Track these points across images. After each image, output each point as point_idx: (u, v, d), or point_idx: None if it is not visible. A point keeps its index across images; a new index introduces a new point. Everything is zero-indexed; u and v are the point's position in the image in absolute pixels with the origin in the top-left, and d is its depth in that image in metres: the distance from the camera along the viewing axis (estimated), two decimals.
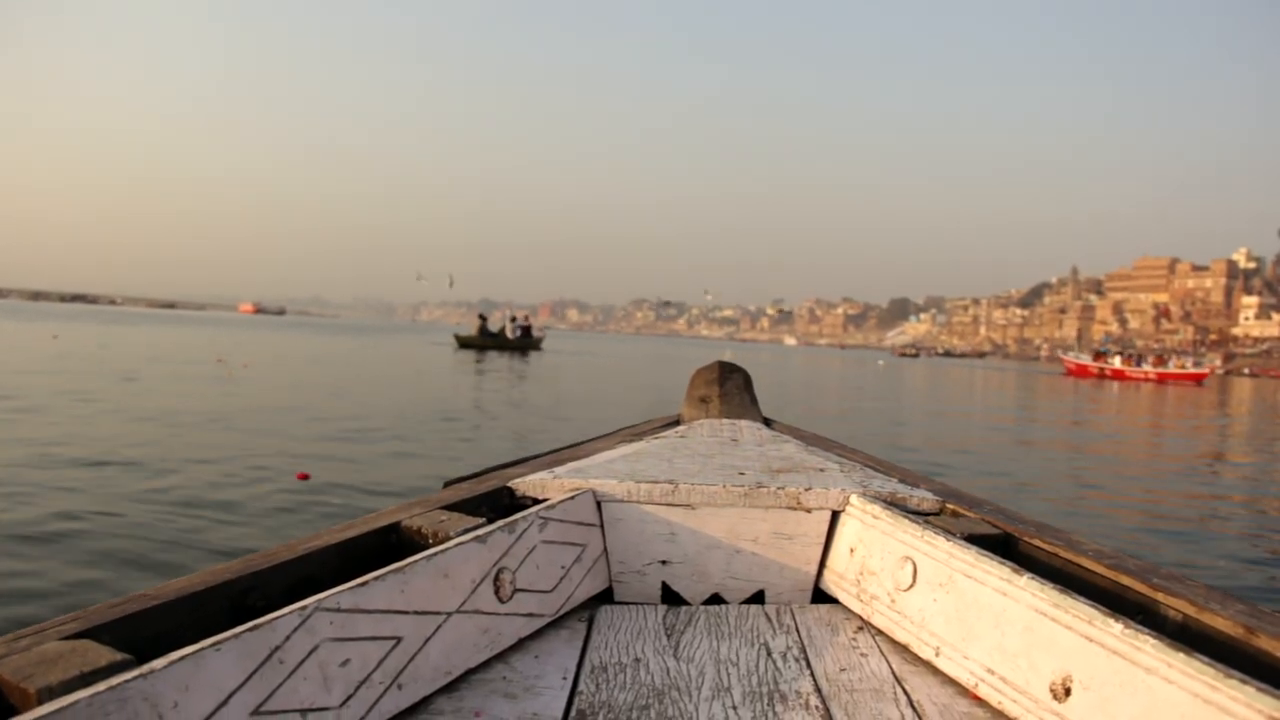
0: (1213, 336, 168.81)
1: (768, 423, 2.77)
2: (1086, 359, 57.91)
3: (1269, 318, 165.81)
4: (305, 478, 6.41)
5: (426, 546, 1.38)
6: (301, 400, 12.51)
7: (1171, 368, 54.82)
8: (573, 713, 1.18)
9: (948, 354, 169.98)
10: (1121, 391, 34.51)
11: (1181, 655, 1.01)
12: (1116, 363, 54.52)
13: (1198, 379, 52.74)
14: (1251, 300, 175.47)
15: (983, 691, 1.26)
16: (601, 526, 1.66)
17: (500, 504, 1.69)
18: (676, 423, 2.76)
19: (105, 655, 0.89)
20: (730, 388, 2.86)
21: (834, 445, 2.53)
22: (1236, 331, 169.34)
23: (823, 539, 1.69)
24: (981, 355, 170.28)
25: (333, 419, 10.15)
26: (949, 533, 1.50)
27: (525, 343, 37.76)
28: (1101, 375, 52.42)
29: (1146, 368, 53.36)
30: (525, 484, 1.73)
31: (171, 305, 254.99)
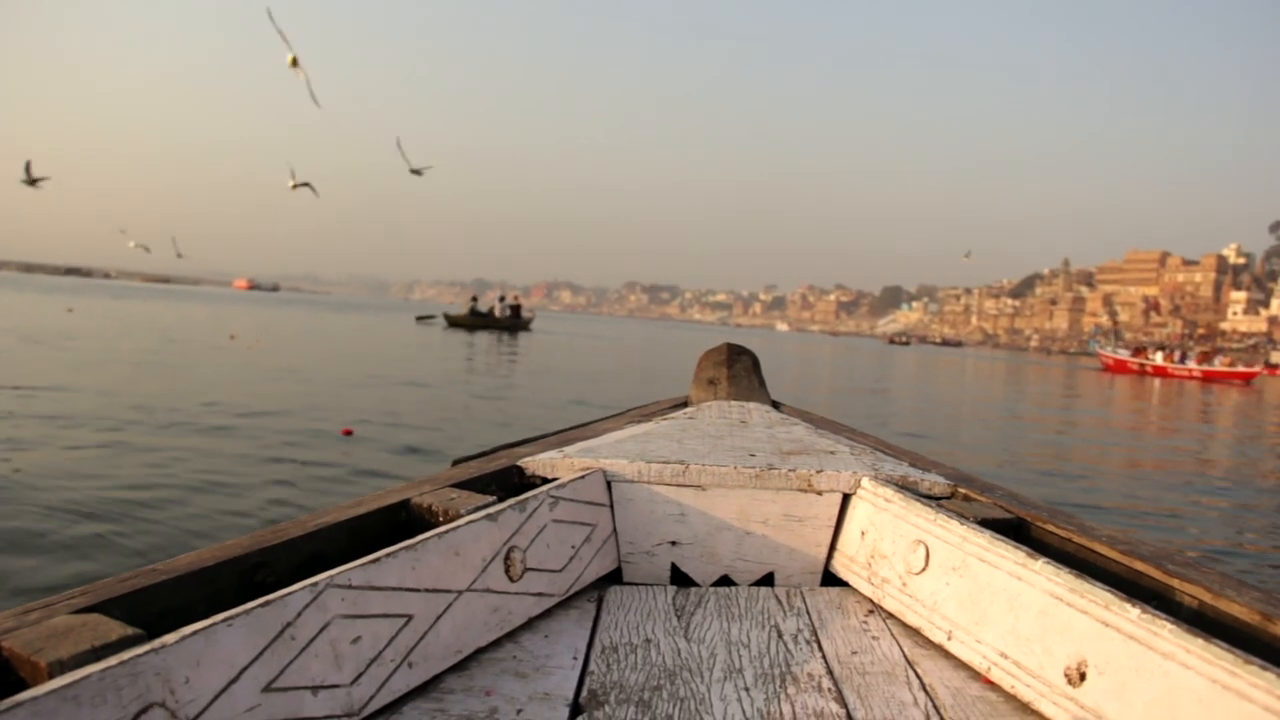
0: (1200, 331, 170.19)
1: (776, 405, 2.76)
2: (1125, 354, 54.18)
3: (1256, 313, 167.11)
4: (349, 433, 7.39)
5: (436, 524, 1.39)
6: (319, 372, 13.50)
7: (1217, 365, 50.61)
8: (584, 693, 1.19)
9: (945, 343, 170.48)
10: (1175, 391, 31.59)
11: (1200, 641, 1.01)
12: (1158, 359, 51.31)
13: (1246, 378, 48.74)
14: (1240, 295, 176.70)
15: (996, 675, 1.27)
16: (611, 506, 1.67)
17: (509, 483, 1.69)
18: (684, 404, 2.77)
19: (116, 629, 0.89)
20: (738, 370, 2.85)
21: (844, 428, 2.54)
22: (1224, 326, 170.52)
23: (833, 522, 1.69)
24: (957, 344, 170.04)
25: (352, 388, 11.22)
26: (962, 516, 1.50)
27: (514, 323, 38.00)
28: (1142, 372, 49.73)
29: (1190, 364, 49.49)
30: (535, 463, 1.73)
31: (166, 280, 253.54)
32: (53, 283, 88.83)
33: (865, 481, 1.69)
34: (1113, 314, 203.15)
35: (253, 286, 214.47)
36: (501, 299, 39.45)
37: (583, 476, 1.63)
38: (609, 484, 1.68)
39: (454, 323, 36.88)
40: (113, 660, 0.82)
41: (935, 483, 1.74)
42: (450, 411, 9.82)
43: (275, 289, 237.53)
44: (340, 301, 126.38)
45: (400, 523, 1.44)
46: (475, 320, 36.83)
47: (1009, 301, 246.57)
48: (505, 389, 13.17)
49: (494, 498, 1.47)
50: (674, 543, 1.67)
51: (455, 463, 1.92)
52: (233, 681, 0.91)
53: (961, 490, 1.74)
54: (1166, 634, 1.05)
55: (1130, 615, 1.10)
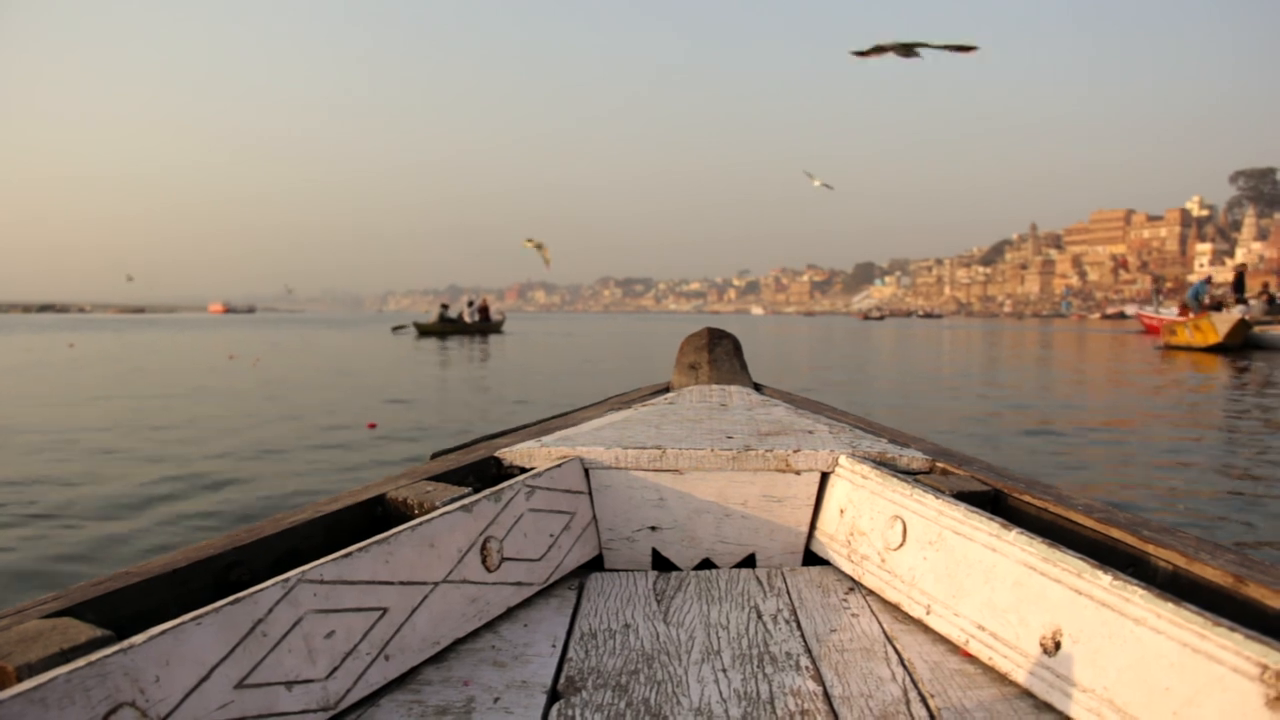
0: (1169, 285, 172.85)
1: (758, 388, 2.77)
2: (1170, 314, 43.25)
3: (1222, 263, 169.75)
4: (374, 426, 8.42)
5: (412, 517, 1.39)
6: (320, 381, 14.57)
7: None
8: (562, 679, 1.19)
9: (928, 315, 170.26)
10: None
11: (1170, 605, 1.01)
12: None
13: None
14: (1205, 247, 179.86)
15: (973, 648, 1.27)
16: (590, 494, 1.67)
17: (487, 474, 1.69)
18: (666, 390, 2.78)
19: (85, 632, 0.89)
20: (719, 354, 2.85)
21: (824, 408, 2.55)
22: (1192, 278, 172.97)
23: (812, 501, 1.69)
24: (937, 316, 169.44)
25: (353, 393, 12.26)
26: (938, 490, 1.50)
27: (485, 326, 37.87)
28: None
29: None
30: (512, 453, 1.73)
31: (141, 310, 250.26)
32: (34, 320, 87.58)
33: (843, 459, 1.70)
34: (1082, 274, 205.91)
35: (228, 310, 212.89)
36: (470, 303, 39.08)
37: (559, 465, 1.64)
38: (587, 471, 1.68)
39: (425, 331, 36.41)
40: (80, 662, 0.81)
41: (913, 458, 1.75)
42: (434, 409, 10.47)
43: (251, 310, 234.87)
44: (316, 318, 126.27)
45: (376, 517, 1.44)
46: (446, 326, 36.48)
47: (980, 269, 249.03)
48: (480, 388, 13.56)
49: (470, 489, 1.48)
50: (654, 528, 1.68)
51: (434, 455, 1.95)
52: (204, 679, 0.91)
53: (939, 464, 1.75)
54: (1137, 600, 1.05)
55: (1102, 582, 1.10)
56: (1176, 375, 15.78)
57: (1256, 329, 23.18)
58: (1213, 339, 22.53)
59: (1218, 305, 25.15)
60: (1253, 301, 25.00)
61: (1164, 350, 24.98)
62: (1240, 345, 22.61)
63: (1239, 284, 26.12)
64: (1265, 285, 28.94)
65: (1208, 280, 26.64)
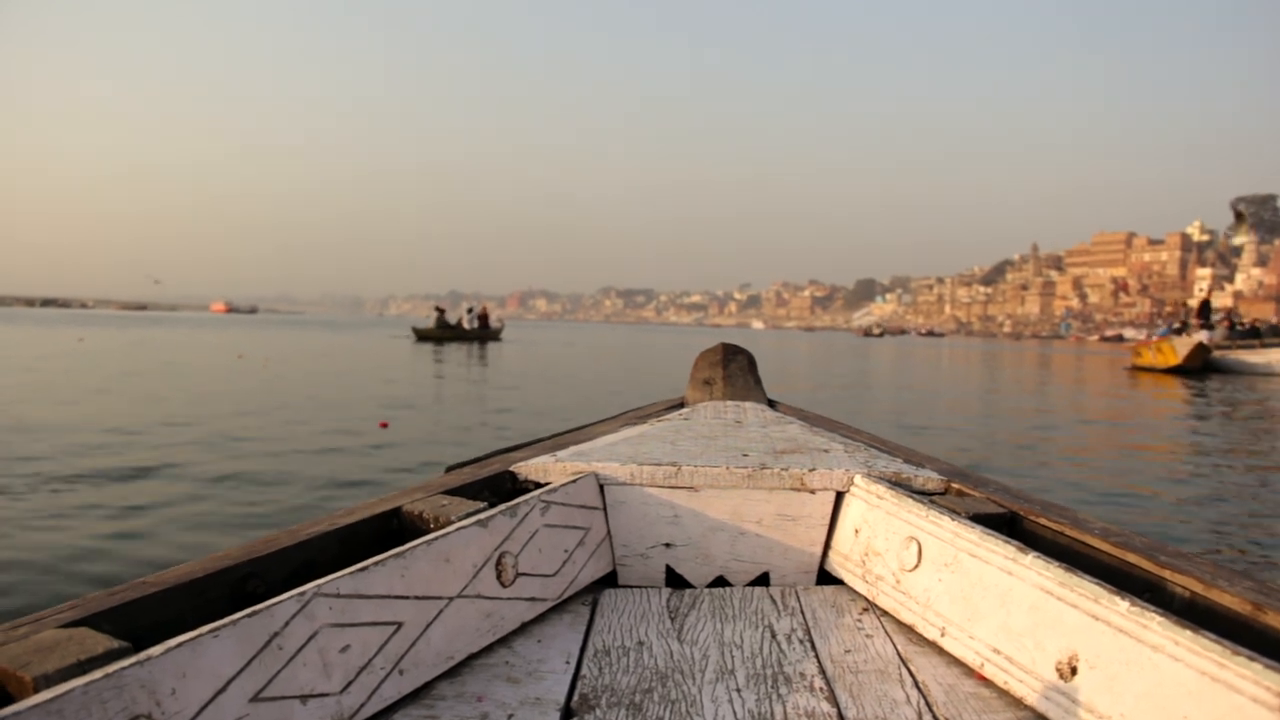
0: (1168, 309, 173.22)
1: (772, 404, 2.76)
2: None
3: (1222, 288, 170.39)
4: (385, 426, 8.72)
5: (428, 531, 1.39)
6: (330, 383, 15.04)
7: None
8: (575, 697, 1.19)
9: (930, 333, 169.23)
10: None
11: (1188, 633, 1.00)
12: None
13: None
14: (1205, 272, 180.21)
15: (988, 671, 1.26)
16: (604, 510, 1.66)
17: (502, 488, 1.69)
18: (680, 405, 2.77)
19: (102, 643, 0.89)
20: (734, 370, 2.86)
21: (839, 426, 2.55)
22: (1191, 303, 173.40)
23: (827, 520, 1.69)
24: (939, 335, 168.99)
25: (363, 396, 12.69)
26: (954, 512, 1.49)
27: (483, 333, 37.82)
28: None
29: None
30: (527, 468, 1.73)
31: (143, 307, 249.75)
32: (37, 315, 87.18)
33: (858, 479, 1.69)
34: (1082, 296, 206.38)
35: (230, 309, 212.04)
36: (470, 310, 39.08)
37: (575, 480, 1.64)
38: (601, 487, 1.68)
39: (422, 336, 36.22)
40: (98, 674, 0.81)
41: (929, 478, 1.74)
42: (436, 418, 10.52)
43: (253, 311, 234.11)
44: (317, 320, 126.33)
45: (392, 530, 1.44)
46: (443, 332, 36.41)
47: (981, 289, 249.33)
48: (480, 398, 13.68)
49: (485, 504, 1.48)
50: (668, 545, 1.67)
51: (449, 469, 1.95)
52: (220, 692, 0.91)
53: (955, 485, 1.73)
54: (1156, 626, 1.04)
55: (1120, 608, 1.10)
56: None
57: (1216, 353, 24.35)
58: (1173, 361, 23.68)
59: (1181, 328, 26.33)
60: (1217, 327, 26.26)
61: (1131, 370, 26.03)
62: (1200, 368, 23.69)
63: (1204, 310, 27.20)
64: (1227, 312, 30.50)
65: (1182, 326, 27.56)
